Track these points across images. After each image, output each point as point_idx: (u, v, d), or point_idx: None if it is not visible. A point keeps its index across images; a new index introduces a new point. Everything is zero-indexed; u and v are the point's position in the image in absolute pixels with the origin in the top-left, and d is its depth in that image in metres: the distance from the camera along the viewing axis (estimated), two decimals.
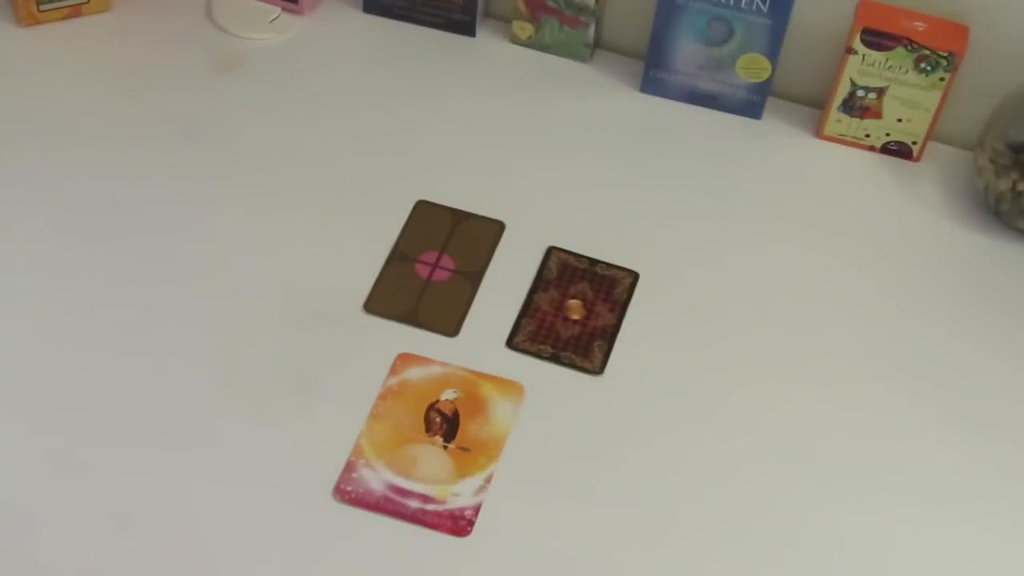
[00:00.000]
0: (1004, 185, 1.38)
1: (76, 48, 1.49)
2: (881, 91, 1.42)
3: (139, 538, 1.12)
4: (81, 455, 1.16)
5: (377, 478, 1.17)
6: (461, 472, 1.18)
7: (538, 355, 1.27)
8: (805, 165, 1.46)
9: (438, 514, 1.15)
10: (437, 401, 1.23)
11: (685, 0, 1.42)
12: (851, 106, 1.45)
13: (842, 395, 1.27)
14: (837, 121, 1.46)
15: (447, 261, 1.33)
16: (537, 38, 1.53)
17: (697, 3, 1.42)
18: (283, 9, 1.54)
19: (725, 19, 1.42)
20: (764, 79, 1.46)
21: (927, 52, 1.38)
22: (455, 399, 1.23)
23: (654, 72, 1.49)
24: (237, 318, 1.27)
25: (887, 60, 1.40)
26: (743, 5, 1.40)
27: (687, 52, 1.46)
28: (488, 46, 1.54)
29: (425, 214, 1.37)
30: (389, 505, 1.16)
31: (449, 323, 1.29)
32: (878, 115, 1.44)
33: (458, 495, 1.17)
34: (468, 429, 1.21)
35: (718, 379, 1.27)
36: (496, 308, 1.30)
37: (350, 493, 1.16)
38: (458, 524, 1.15)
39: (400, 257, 1.33)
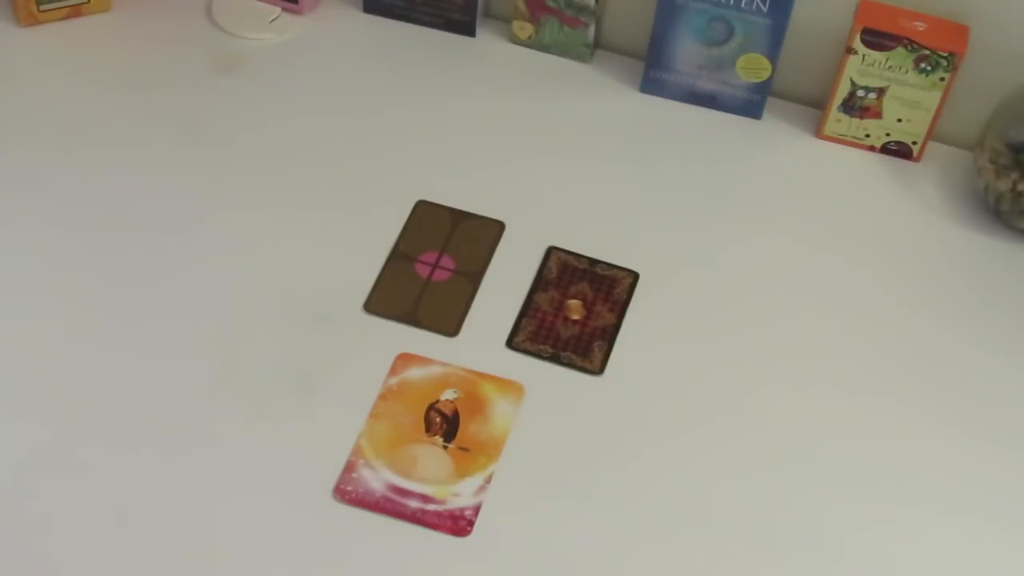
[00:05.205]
0: (1004, 185, 1.38)
1: (76, 48, 1.49)
2: (881, 91, 1.42)
3: (139, 537, 1.12)
4: (81, 455, 1.17)
5: (377, 478, 1.17)
6: (461, 472, 1.18)
7: (538, 355, 1.27)
8: (805, 165, 1.46)
9: (438, 514, 1.15)
10: (437, 401, 1.23)
11: (685, 0, 1.42)
12: (851, 106, 1.45)
13: (842, 395, 1.27)
14: (837, 121, 1.46)
15: (447, 261, 1.33)
16: (537, 38, 1.53)
17: (697, 3, 1.42)
18: (283, 9, 1.54)
19: (725, 19, 1.43)
20: (764, 79, 1.46)
21: (927, 52, 1.38)
22: (455, 399, 1.23)
23: (654, 72, 1.49)
24: (237, 318, 1.27)
25: (887, 60, 1.40)
26: (743, 5, 1.40)
27: (687, 52, 1.46)
28: (488, 46, 1.54)
29: (425, 214, 1.37)
30: (389, 505, 1.16)
31: (449, 323, 1.29)
32: (878, 115, 1.44)
33: (458, 495, 1.17)
34: (468, 429, 1.21)
35: (718, 379, 1.27)
36: (496, 308, 1.30)
37: (350, 493, 1.16)
38: (458, 524, 1.15)
39: (400, 257, 1.33)
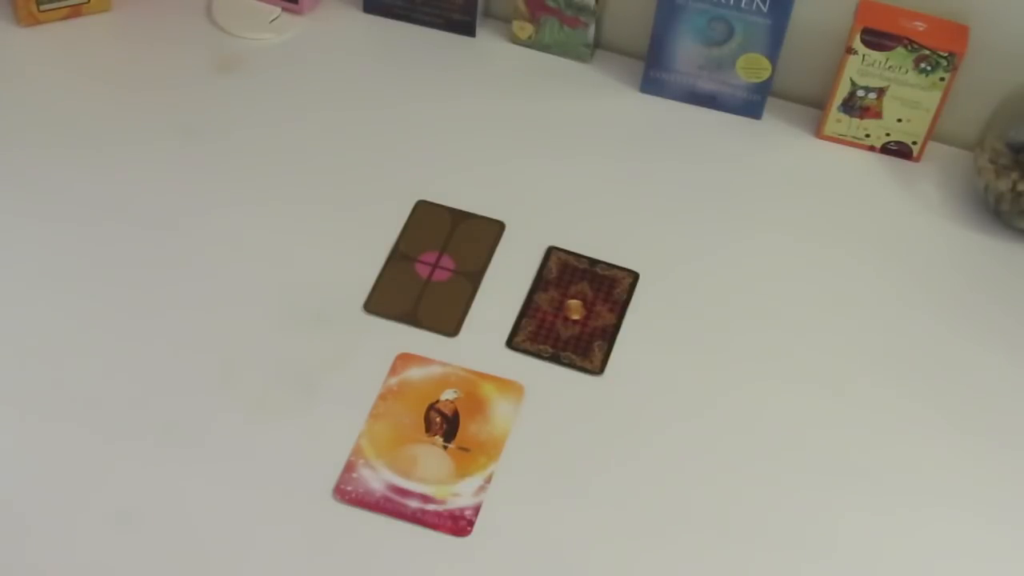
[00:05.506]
0: (1004, 185, 1.38)
1: (76, 48, 1.49)
2: (881, 91, 1.42)
3: (138, 537, 1.12)
4: (80, 454, 1.16)
5: (377, 478, 1.17)
6: (461, 472, 1.18)
7: (538, 355, 1.27)
8: (805, 165, 1.46)
9: (438, 514, 1.15)
10: (437, 401, 1.23)
11: (685, 0, 1.42)
12: (851, 106, 1.45)
13: (842, 395, 1.27)
14: (837, 121, 1.46)
15: (447, 261, 1.33)
16: (537, 38, 1.53)
17: (697, 3, 1.42)
18: (283, 9, 1.54)
19: (725, 19, 1.43)
20: (764, 79, 1.46)
21: (927, 52, 1.38)
22: (455, 399, 1.23)
23: (654, 72, 1.49)
24: (237, 318, 1.27)
25: (887, 60, 1.40)
26: (743, 5, 1.41)
27: (687, 52, 1.46)
28: (488, 46, 1.54)
29: (425, 214, 1.37)
30: (389, 505, 1.16)
31: (449, 323, 1.29)
32: (878, 115, 1.44)
33: (458, 495, 1.17)
34: (468, 429, 1.21)
35: (718, 379, 1.27)
36: (496, 308, 1.30)
37: (350, 493, 1.16)
38: (458, 524, 1.15)
39: (400, 257, 1.33)
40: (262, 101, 1.46)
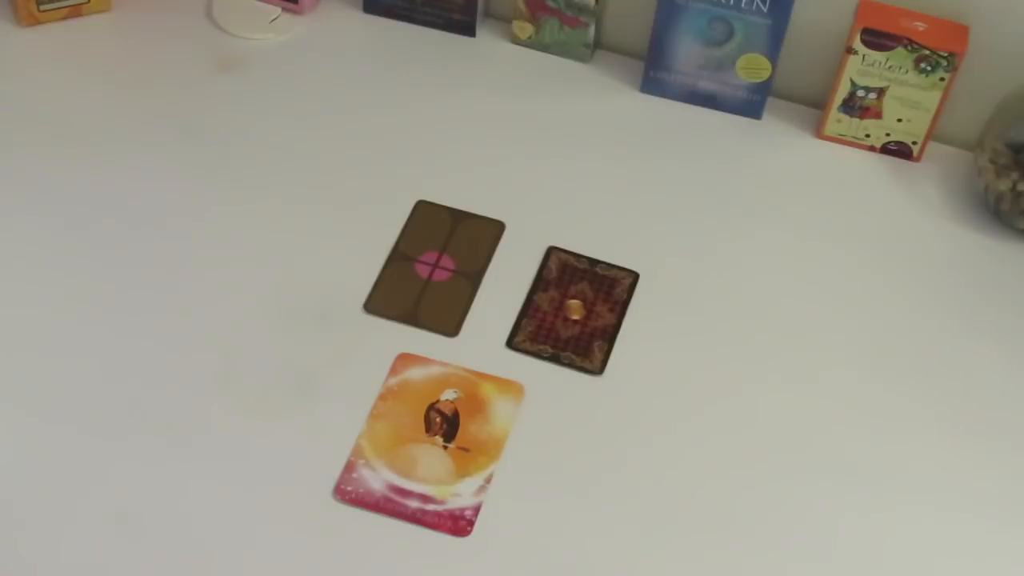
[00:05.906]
0: (1004, 185, 1.38)
1: (76, 48, 1.49)
2: (881, 91, 1.42)
3: (137, 537, 1.12)
4: (79, 453, 1.16)
5: (377, 478, 1.17)
6: (461, 472, 1.18)
7: (538, 355, 1.27)
8: (805, 165, 1.46)
9: (438, 514, 1.15)
10: (437, 401, 1.23)
11: (685, 0, 1.42)
12: (851, 106, 1.45)
13: (842, 395, 1.27)
14: (837, 121, 1.46)
15: (447, 261, 1.33)
16: (537, 38, 1.53)
17: (697, 3, 1.42)
18: (283, 9, 1.54)
19: (725, 19, 1.43)
20: (764, 79, 1.46)
21: (927, 52, 1.38)
22: (455, 399, 1.23)
23: (654, 72, 1.49)
24: (237, 318, 1.27)
25: (887, 60, 1.40)
26: (743, 5, 1.41)
27: (687, 52, 1.46)
28: (488, 46, 1.54)
29: (425, 214, 1.37)
30: (389, 505, 1.16)
31: (449, 323, 1.29)
32: (878, 115, 1.44)
33: (458, 495, 1.17)
34: (468, 429, 1.21)
35: (718, 379, 1.27)
36: (496, 308, 1.30)
37: (350, 493, 1.16)
38: (458, 524, 1.15)
39: (400, 257, 1.33)
40: (262, 101, 1.46)
